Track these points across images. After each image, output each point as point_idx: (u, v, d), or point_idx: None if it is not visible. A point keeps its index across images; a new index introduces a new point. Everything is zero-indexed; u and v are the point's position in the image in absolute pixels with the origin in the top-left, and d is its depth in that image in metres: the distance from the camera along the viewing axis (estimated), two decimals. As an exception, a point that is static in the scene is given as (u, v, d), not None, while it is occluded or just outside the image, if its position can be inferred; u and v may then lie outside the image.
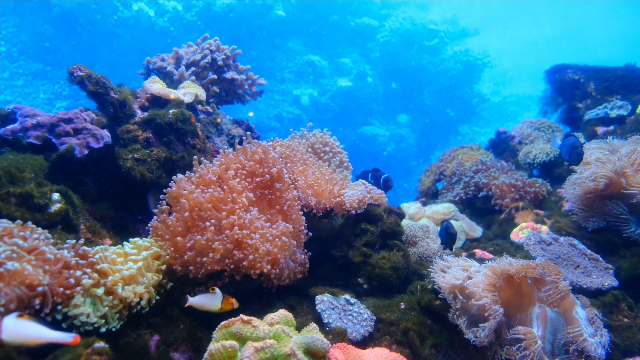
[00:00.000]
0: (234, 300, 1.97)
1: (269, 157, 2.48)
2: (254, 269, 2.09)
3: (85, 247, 1.95)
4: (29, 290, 1.61)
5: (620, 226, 2.80)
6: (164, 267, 2.12)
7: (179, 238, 2.14)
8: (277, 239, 2.18)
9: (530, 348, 1.90)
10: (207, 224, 2.12)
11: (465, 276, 2.17)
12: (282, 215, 2.43)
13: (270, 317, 1.83)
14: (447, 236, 2.72)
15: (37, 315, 1.68)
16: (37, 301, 1.63)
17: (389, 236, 2.75)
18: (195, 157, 2.54)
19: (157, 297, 2.03)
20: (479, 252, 3.13)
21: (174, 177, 2.36)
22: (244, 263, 2.08)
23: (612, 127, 4.31)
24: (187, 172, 2.44)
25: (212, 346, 1.61)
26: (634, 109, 4.27)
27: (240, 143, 2.60)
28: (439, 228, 2.86)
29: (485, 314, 1.96)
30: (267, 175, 2.43)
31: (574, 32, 27.85)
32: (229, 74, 3.60)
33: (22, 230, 1.79)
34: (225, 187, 2.29)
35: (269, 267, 2.12)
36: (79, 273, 1.81)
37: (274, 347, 1.62)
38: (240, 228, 2.12)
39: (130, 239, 2.24)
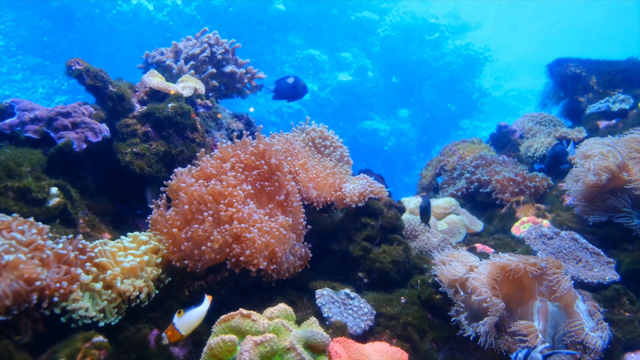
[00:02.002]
0: (162, 336, 1.71)
1: (272, 149, 2.47)
2: (252, 264, 2.08)
3: (84, 241, 1.94)
4: (26, 284, 1.60)
5: (622, 220, 2.79)
6: (159, 260, 2.11)
7: (175, 230, 2.12)
8: (275, 230, 2.17)
9: (531, 342, 1.89)
10: (205, 214, 2.11)
11: (466, 270, 2.16)
12: (281, 208, 2.42)
13: (269, 311, 1.82)
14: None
15: (36, 310, 1.68)
16: (35, 296, 1.62)
17: (389, 230, 2.73)
18: (203, 149, 2.54)
19: (157, 292, 2.02)
20: (479, 246, 3.12)
21: (175, 170, 2.36)
22: (242, 258, 2.07)
23: (614, 121, 4.29)
24: (189, 165, 2.44)
25: (212, 340, 1.61)
26: (636, 103, 4.25)
27: (240, 137, 2.59)
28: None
29: (485, 305, 1.95)
30: (265, 167, 2.42)
31: (575, 26, 27.72)
32: (229, 68, 3.57)
33: (20, 224, 1.77)
34: (224, 181, 2.28)
35: (265, 263, 2.10)
36: (79, 270, 1.80)
37: (273, 341, 1.61)
38: (239, 221, 2.11)
39: (129, 233, 2.23)
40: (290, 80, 3.42)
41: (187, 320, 1.71)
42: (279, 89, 3.47)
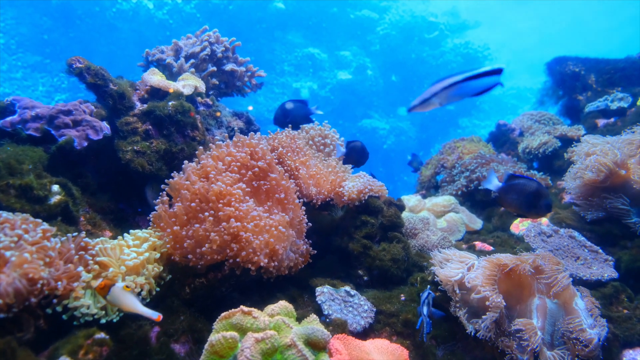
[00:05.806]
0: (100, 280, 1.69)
1: (262, 148, 2.48)
2: (251, 262, 2.08)
3: (86, 239, 1.95)
4: (29, 284, 1.61)
5: (621, 217, 2.80)
6: (158, 255, 2.12)
7: (176, 227, 2.13)
8: (273, 229, 2.18)
9: (530, 339, 1.90)
10: (206, 214, 2.12)
11: (465, 269, 2.17)
12: (280, 206, 2.42)
13: (270, 308, 1.83)
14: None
15: (38, 307, 1.68)
16: (37, 295, 1.62)
17: (389, 228, 2.74)
18: (202, 147, 2.55)
19: (157, 289, 2.03)
20: (479, 244, 3.13)
21: (184, 164, 2.37)
22: (238, 259, 2.07)
23: (612, 120, 4.30)
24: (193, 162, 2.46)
25: (213, 337, 1.62)
26: (635, 101, 4.26)
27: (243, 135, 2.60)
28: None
29: (487, 303, 1.97)
30: (256, 168, 2.42)
31: (574, 25, 27.74)
32: (229, 66, 3.58)
33: (24, 223, 1.78)
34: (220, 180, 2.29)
35: (266, 260, 2.11)
36: (80, 268, 1.80)
37: (274, 337, 1.62)
38: (236, 219, 2.11)
39: (131, 231, 2.24)
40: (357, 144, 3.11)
41: (124, 298, 1.63)
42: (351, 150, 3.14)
